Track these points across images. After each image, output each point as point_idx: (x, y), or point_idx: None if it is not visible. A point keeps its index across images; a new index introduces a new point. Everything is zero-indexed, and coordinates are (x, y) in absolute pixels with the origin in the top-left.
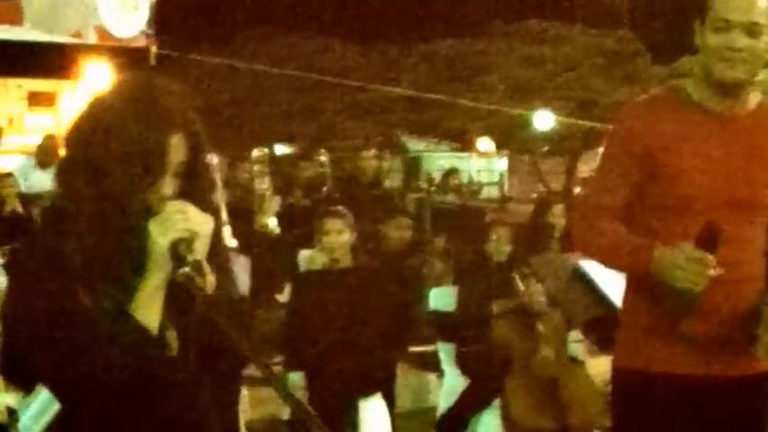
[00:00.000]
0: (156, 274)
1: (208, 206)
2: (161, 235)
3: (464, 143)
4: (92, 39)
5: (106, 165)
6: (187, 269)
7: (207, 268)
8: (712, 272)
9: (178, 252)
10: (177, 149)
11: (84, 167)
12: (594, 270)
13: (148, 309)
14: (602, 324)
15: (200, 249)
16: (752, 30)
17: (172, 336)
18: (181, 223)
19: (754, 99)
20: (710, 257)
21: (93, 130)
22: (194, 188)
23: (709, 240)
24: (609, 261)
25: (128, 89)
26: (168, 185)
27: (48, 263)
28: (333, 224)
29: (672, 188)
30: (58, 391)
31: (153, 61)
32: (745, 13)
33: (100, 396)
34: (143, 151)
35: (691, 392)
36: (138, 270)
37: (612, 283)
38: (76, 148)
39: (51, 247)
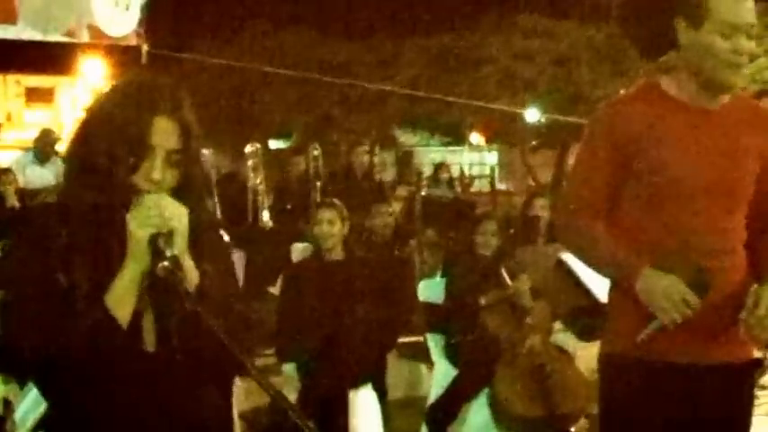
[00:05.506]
0: (133, 266)
1: (199, 198)
2: (138, 227)
3: (457, 137)
4: (85, 37)
5: (92, 148)
6: (166, 263)
7: (187, 263)
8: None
9: (157, 246)
10: (165, 134)
11: (76, 156)
12: (577, 262)
13: (122, 300)
14: (584, 314)
15: (180, 244)
16: (750, 32)
17: (149, 331)
18: (157, 218)
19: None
20: (698, 302)
21: (85, 122)
22: (190, 180)
23: (700, 286)
24: (593, 266)
25: (118, 83)
26: (157, 171)
27: (35, 246)
28: (325, 214)
29: (654, 181)
30: (43, 381)
31: (145, 59)
32: (748, 15)
33: (79, 386)
34: (124, 131)
35: (676, 379)
36: (121, 258)
37: (594, 274)
38: (70, 143)
39: (40, 231)
